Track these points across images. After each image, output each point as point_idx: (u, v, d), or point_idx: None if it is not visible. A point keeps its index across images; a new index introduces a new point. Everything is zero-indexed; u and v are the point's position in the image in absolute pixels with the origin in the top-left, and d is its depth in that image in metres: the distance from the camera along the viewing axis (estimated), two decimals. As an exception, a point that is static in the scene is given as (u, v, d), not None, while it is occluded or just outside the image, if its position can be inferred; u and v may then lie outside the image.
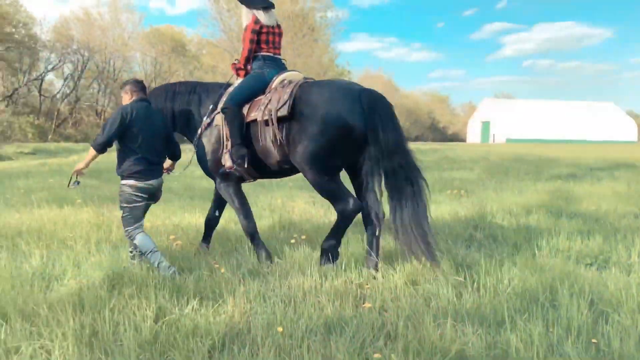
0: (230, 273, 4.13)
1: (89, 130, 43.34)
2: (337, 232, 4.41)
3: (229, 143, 4.52)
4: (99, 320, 3.11)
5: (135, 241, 4.33)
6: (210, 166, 4.79)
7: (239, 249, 5.03)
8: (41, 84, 44.56)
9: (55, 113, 44.06)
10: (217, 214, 5.30)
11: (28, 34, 39.08)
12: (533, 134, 61.73)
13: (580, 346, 2.86)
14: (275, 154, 4.38)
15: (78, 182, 4.44)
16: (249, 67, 4.77)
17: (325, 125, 4.03)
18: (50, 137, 39.55)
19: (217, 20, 24.82)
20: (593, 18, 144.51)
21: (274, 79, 4.61)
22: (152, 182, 4.38)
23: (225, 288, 3.76)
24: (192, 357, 2.78)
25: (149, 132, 4.36)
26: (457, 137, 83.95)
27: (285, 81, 4.54)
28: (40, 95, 44.37)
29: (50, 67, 44.83)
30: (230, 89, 4.78)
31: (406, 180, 4.12)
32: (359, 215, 4.43)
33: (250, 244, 4.81)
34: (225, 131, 4.56)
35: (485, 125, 68.93)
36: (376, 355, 2.76)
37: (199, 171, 5.54)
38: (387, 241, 5.16)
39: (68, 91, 45.95)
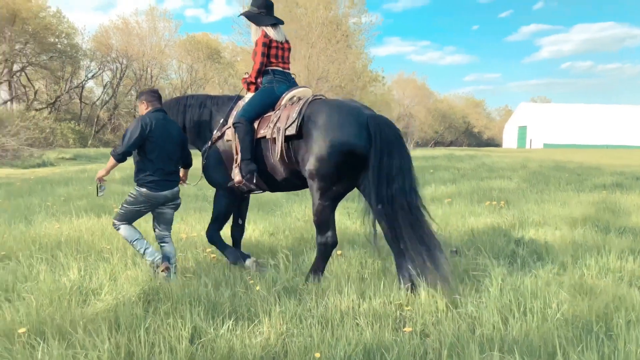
0: (266, 290, 4.05)
1: (126, 136, 44.21)
2: (318, 267, 4.44)
3: (239, 157, 4.58)
4: (134, 341, 3.08)
5: (120, 232, 4.54)
6: (217, 178, 4.90)
7: (272, 262, 4.96)
8: (82, 91, 45.89)
9: (95, 119, 45.28)
10: (240, 222, 5.33)
11: (70, 44, 40.25)
12: (571, 139, 60.06)
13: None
14: (282, 171, 4.48)
15: (104, 188, 4.60)
16: (259, 80, 4.84)
17: (332, 149, 4.06)
18: (90, 142, 40.63)
19: (251, 29, 24.91)
20: (634, 18, 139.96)
21: (284, 95, 4.67)
22: (166, 192, 4.50)
23: (261, 307, 3.68)
24: (227, 384, 2.70)
25: (166, 142, 4.48)
26: (493, 142, 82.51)
27: (295, 98, 4.62)
28: (81, 102, 45.68)
29: (90, 75, 46.20)
30: (241, 102, 4.86)
31: (409, 207, 4.07)
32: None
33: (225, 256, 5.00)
34: (235, 146, 4.62)
35: (522, 130, 67.50)
36: (419, 387, 2.63)
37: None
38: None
39: (107, 98, 47.16)
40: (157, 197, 4.47)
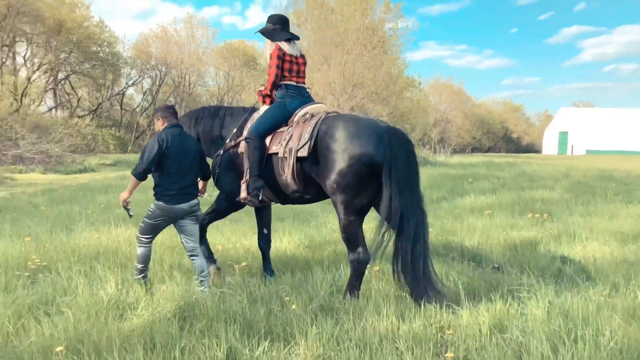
0: (302, 308, 3.97)
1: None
2: (354, 285, 4.34)
3: (247, 173, 4.62)
4: (170, 361, 3.03)
5: (137, 249, 4.60)
6: (224, 185, 4.99)
7: (308, 278, 4.86)
8: (122, 99, 47.05)
9: (135, 125, 46.36)
10: (265, 231, 5.33)
11: (111, 52, 41.30)
12: (615, 145, 58.06)
13: None
14: (294, 187, 4.49)
15: (130, 210, 4.66)
16: (274, 93, 4.87)
17: (351, 160, 4.06)
18: (129, 148, 41.57)
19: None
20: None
21: (297, 111, 4.69)
22: (183, 205, 4.52)
23: (297, 327, 3.59)
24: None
25: (183, 156, 4.52)
26: (532, 148, 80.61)
27: (308, 115, 4.61)
28: (122, 109, 46.83)
29: (130, 82, 47.30)
30: (256, 115, 4.91)
31: (413, 222, 4.10)
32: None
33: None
34: (245, 160, 4.67)
35: (563, 136, 65.68)
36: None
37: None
38: (468, 276, 4.84)
39: (147, 105, 48.19)
40: (174, 210, 4.50)
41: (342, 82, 21.29)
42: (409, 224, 4.07)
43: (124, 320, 3.85)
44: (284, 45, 4.82)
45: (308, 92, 4.99)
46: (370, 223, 5.88)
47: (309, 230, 7.33)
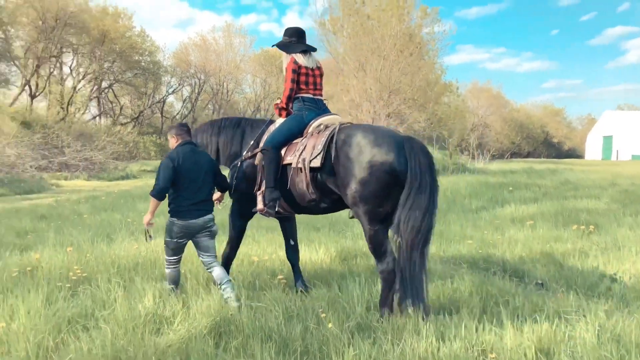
0: (338, 326, 3.88)
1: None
2: (386, 298, 4.22)
3: (263, 184, 4.64)
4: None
5: (166, 270, 4.68)
6: (237, 198, 5.00)
7: (344, 293, 4.77)
8: (163, 106, 48.10)
9: (175, 132, 47.27)
10: (292, 242, 5.33)
11: (152, 61, 42.31)
12: (664, 150, 55.62)
13: None
14: (310, 197, 4.48)
15: (151, 236, 4.76)
16: (290, 106, 4.88)
17: (372, 169, 4.04)
18: (169, 155, 42.40)
19: (323, 42, 25.08)
20: None
21: (312, 122, 4.70)
22: (198, 220, 4.59)
23: (333, 347, 3.52)
24: None
25: (196, 172, 4.60)
26: (574, 153, 78.09)
27: (322, 126, 4.61)
28: (162, 116, 47.88)
29: (171, 90, 48.35)
30: (272, 127, 4.93)
31: (420, 231, 4.01)
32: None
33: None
34: (261, 172, 4.70)
35: (607, 141, 63.36)
36: None
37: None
38: (511, 294, 4.65)
39: (186, 112, 49.14)
40: (189, 226, 4.58)
41: (378, 89, 21.13)
42: (418, 232, 3.99)
43: (160, 335, 3.85)
44: (300, 58, 4.82)
45: (325, 104, 4.98)
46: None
47: (344, 242, 7.24)
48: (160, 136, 45.70)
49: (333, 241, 7.21)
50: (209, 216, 4.70)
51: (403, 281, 4.01)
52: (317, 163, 4.30)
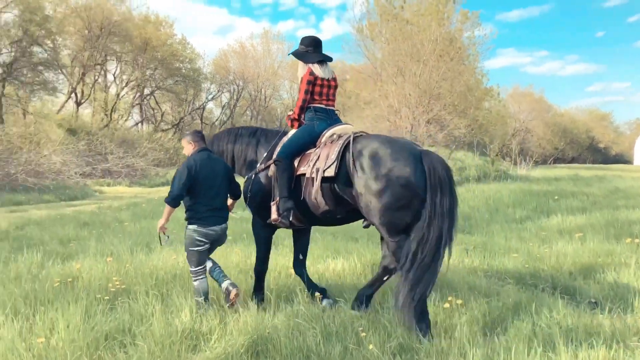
0: (379, 347, 3.72)
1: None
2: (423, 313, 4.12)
3: (277, 194, 4.64)
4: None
5: (194, 283, 4.65)
6: (255, 210, 4.97)
7: (385, 310, 4.60)
8: (202, 113, 48.88)
9: (214, 138, 47.98)
10: (300, 257, 5.28)
11: (193, 68, 43.10)
12: None
13: None
14: (325, 207, 4.47)
15: (168, 237, 4.83)
16: (302, 117, 4.90)
17: (389, 182, 4.04)
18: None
19: (361, 48, 24.96)
20: None
21: (324, 132, 4.72)
22: (216, 227, 4.65)
23: (375, 371, 3.36)
24: None
25: (212, 179, 4.64)
26: (622, 159, 75.34)
27: (335, 136, 4.63)
28: (202, 122, 48.63)
29: (210, 96, 49.14)
30: (285, 138, 4.93)
31: (438, 247, 4.01)
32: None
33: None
34: (275, 182, 4.70)
35: (658, 146, 60.86)
36: None
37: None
38: (562, 314, 4.38)
39: (225, 118, 49.80)
40: (207, 234, 4.61)
41: (418, 95, 20.81)
42: (438, 247, 4.00)
43: (197, 352, 3.79)
44: (316, 69, 4.82)
45: (337, 115, 5.00)
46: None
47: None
48: (200, 142, 46.43)
49: (372, 253, 7.03)
50: (225, 225, 4.77)
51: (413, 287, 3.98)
52: (331, 172, 4.31)
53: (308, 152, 4.67)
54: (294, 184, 4.64)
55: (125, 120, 41.19)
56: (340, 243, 7.71)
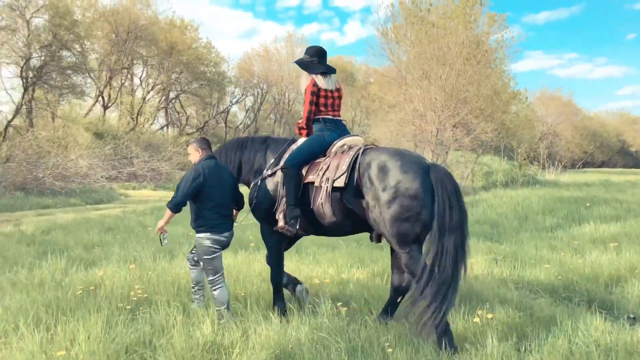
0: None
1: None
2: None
3: (283, 202, 4.64)
4: None
5: (214, 292, 4.59)
6: (262, 217, 4.96)
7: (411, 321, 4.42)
8: (227, 116, 49.17)
9: (238, 142, 48.22)
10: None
11: (217, 72, 43.33)
12: None
13: None
14: (330, 217, 4.48)
15: (166, 237, 4.82)
16: (310, 126, 4.93)
17: (397, 194, 4.05)
18: (232, 164, 43.27)
19: (385, 51, 24.76)
20: None
21: (335, 142, 4.75)
22: (226, 234, 4.64)
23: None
24: None
25: (220, 187, 4.62)
26: (654, 163, 73.27)
27: (345, 147, 4.66)
28: (226, 126, 48.95)
29: (234, 100, 49.34)
30: (294, 146, 4.95)
31: (455, 260, 4.00)
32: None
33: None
34: (281, 190, 4.70)
35: (692, 150, 59.00)
36: None
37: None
38: (599, 330, 4.14)
39: (249, 122, 50.04)
40: (219, 240, 4.60)
41: (443, 99, 20.50)
42: (454, 262, 3.99)
43: (218, 366, 3.68)
44: (319, 80, 4.86)
45: (344, 125, 5.05)
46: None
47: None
48: (224, 145, 46.75)
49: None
50: (232, 231, 4.77)
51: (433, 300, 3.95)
52: (341, 183, 4.33)
53: (317, 161, 4.69)
54: (301, 192, 4.65)
55: (151, 124, 41.65)
56: (364, 251, 7.55)
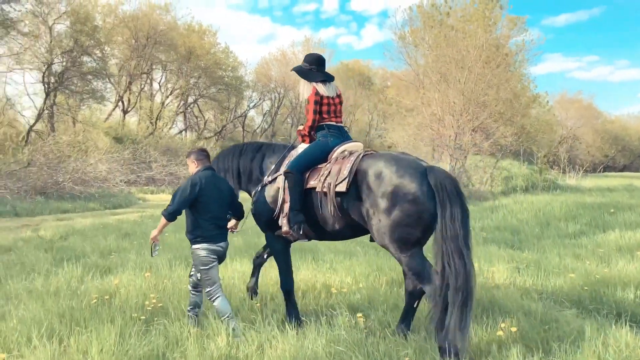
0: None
1: (282, 162, 46.70)
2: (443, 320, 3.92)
3: (287, 206, 4.64)
4: None
5: (214, 303, 4.52)
6: (265, 223, 4.95)
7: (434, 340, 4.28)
8: (244, 120, 49.36)
9: (255, 146, 48.37)
10: (265, 256, 5.53)
11: (235, 76, 43.57)
12: None
13: None
14: (332, 222, 4.51)
15: (158, 247, 4.71)
16: (313, 133, 4.94)
17: (396, 199, 4.04)
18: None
19: (402, 55, 24.59)
20: None
21: (336, 148, 4.77)
22: (222, 244, 4.63)
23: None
24: None
25: (216, 198, 4.61)
26: (678, 167, 71.66)
27: (346, 152, 4.68)
28: (244, 130, 49.13)
29: (252, 104, 49.58)
30: (294, 152, 4.97)
31: (460, 260, 3.91)
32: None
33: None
34: (284, 195, 4.71)
35: None
36: None
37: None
38: (630, 345, 3.96)
39: (266, 126, 50.18)
40: (216, 250, 4.58)
41: (462, 102, 20.24)
42: (461, 262, 3.89)
43: (233, 381, 3.58)
44: (320, 88, 4.88)
45: (347, 131, 5.09)
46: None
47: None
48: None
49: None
50: (227, 242, 4.74)
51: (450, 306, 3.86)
52: (342, 188, 4.33)
53: (319, 166, 4.70)
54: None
55: (170, 128, 41.98)
56: (382, 260, 7.40)
